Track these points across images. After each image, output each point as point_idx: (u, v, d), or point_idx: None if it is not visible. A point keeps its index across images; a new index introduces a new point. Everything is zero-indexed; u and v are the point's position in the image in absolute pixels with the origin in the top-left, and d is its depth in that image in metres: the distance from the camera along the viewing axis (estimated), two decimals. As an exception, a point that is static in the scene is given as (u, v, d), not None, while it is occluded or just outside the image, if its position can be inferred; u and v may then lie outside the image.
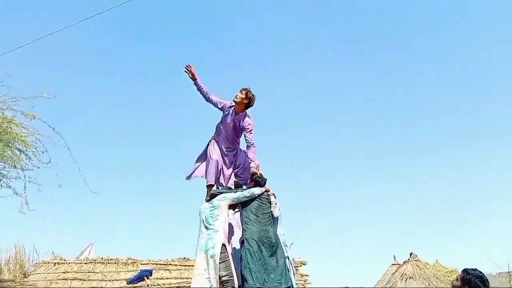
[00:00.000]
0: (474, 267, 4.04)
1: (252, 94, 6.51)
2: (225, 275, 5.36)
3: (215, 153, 6.56)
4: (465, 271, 3.98)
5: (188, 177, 6.80)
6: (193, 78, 6.71)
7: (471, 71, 36.56)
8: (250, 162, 6.49)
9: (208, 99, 6.75)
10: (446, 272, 15.73)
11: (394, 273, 16.08)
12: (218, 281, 5.31)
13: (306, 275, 12.67)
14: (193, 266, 12.64)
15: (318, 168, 39.11)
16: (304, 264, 12.79)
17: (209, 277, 5.34)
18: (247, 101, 6.51)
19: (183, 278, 11.57)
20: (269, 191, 6.22)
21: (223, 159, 6.61)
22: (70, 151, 9.75)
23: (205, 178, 6.63)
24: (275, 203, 6.13)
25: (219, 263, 5.36)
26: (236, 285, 5.41)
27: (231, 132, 6.66)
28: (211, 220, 5.68)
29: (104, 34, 33.30)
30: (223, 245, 5.51)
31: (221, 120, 6.78)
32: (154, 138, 36.89)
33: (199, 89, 6.75)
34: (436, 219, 34.79)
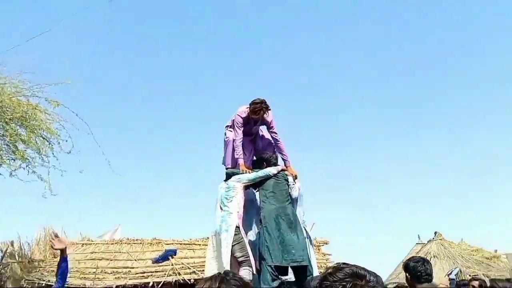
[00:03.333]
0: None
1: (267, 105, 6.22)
2: (241, 256, 5.40)
3: (231, 136, 6.46)
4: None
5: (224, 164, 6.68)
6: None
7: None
8: (285, 160, 6.42)
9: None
10: (471, 251, 15.50)
11: (418, 252, 15.95)
12: (232, 263, 5.36)
13: (329, 254, 12.76)
14: (217, 245, 13.00)
15: (340, 146, 38.85)
16: (326, 244, 12.86)
17: (220, 259, 5.42)
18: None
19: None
20: (285, 170, 6.24)
21: (243, 144, 6.48)
22: (93, 136, 10.01)
23: (226, 161, 6.64)
24: (293, 183, 6.13)
25: (234, 245, 5.40)
26: (253, 264, 5.44)
27: (249, 131, 6.60)
28: (226, 201, 5.72)
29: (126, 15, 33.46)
30: (237, 227, 5.55)
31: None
32: (180, 118, 37.08)
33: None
34: (461, 197, 34.24)
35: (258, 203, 6.24)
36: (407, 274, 3.89)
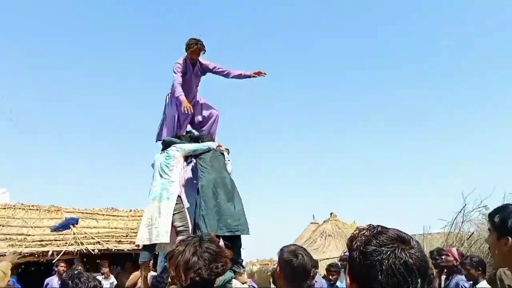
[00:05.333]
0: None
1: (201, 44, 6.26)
2: (181, 226, 5.30)
3: (170, 108, 6.34)
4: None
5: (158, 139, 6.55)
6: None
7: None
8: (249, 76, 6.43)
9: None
10: (362, 232, 16.91)
11: (314, 231, 17.02)
12: (170, 232, 5.23)
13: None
14: (121, 216, 12.52)
15: (239, 130, 39.42)
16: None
17: (157, 227, 5.25)
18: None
19: (111, 228, 11.35)
20: (221, 146, 6.22)
21: (180, 114, 6.36)
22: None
23: (164, 132, 6.45)
24: (228, 159, 6.13)
25: (174, 214, 5.29)
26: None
27: (190, 83, 6.42)
28: (166, 169, 5.55)
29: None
30: (179, 196, 5.45)
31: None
32: (81, 67, 34.21)
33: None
34: (356, 182, 36.90)
35: (191, 174, 6.17)
36: None
